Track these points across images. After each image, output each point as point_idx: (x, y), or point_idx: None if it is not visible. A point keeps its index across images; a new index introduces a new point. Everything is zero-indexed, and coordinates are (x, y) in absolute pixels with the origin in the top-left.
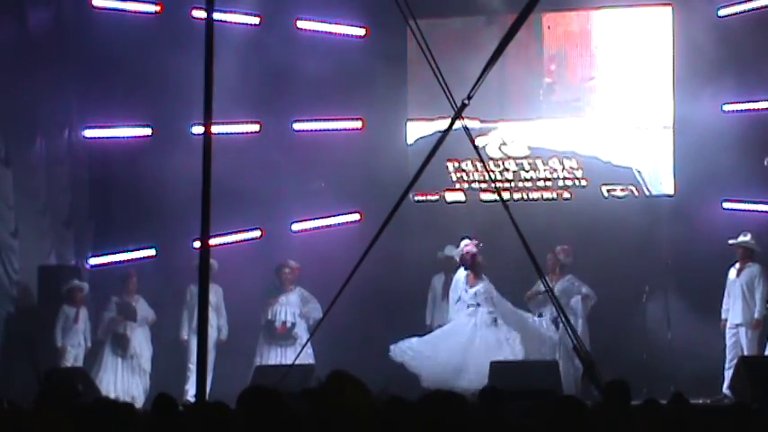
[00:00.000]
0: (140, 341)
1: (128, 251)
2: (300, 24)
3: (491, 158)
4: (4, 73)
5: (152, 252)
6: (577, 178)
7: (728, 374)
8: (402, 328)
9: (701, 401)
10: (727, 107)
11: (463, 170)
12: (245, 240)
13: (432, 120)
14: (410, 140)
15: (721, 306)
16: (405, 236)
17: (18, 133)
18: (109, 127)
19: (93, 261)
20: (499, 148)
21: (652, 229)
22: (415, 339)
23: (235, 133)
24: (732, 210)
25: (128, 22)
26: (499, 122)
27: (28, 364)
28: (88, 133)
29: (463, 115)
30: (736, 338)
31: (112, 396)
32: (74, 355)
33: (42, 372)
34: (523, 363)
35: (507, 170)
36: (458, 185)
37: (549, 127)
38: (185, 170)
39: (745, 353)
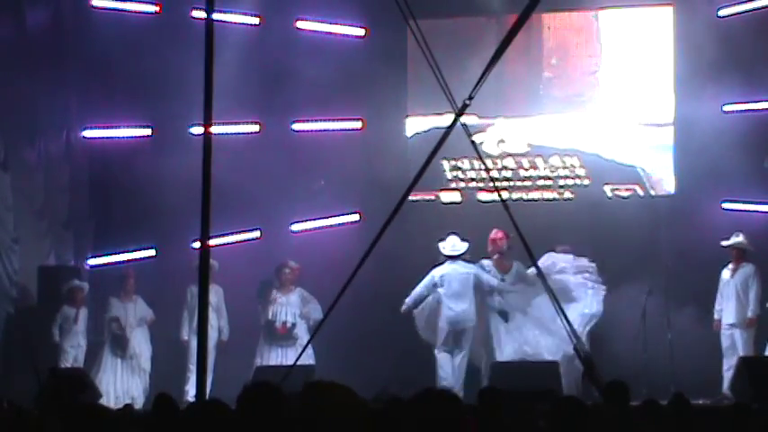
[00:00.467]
0: (140, 341)
1: (127, 251)
2: (300, 24)
3: (489, 156)
4: (2, 73)
5: (152, 252)
6: (579, 177)
7: (727, 376)
8: (402, 328)
9: (701, 401)
10: (727, 107)
11: (459, 168)
12: (244, 241)
13: (427, 116)
14: (409, 139)
15: (714, 307)
16: (402, 236)
17: (17, 134)
18: (108, 127)
19: (93, 261)
20: (497, 146)
21: (652, 229)
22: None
23: (235, 133)
24: (732, 210)
25: (127, 22)
26: (497, 118)
27: (28, 365)
28: (88, 133)
29: (457, 111)
30: (732, 339)
31: (112, 396)
32: (73, 356)
33: (42, 372)
34: (523, 363)
35: (506, 168)
36: (453, 185)
37: (549, 123)
38: (185, 171)
39: (741, 353)
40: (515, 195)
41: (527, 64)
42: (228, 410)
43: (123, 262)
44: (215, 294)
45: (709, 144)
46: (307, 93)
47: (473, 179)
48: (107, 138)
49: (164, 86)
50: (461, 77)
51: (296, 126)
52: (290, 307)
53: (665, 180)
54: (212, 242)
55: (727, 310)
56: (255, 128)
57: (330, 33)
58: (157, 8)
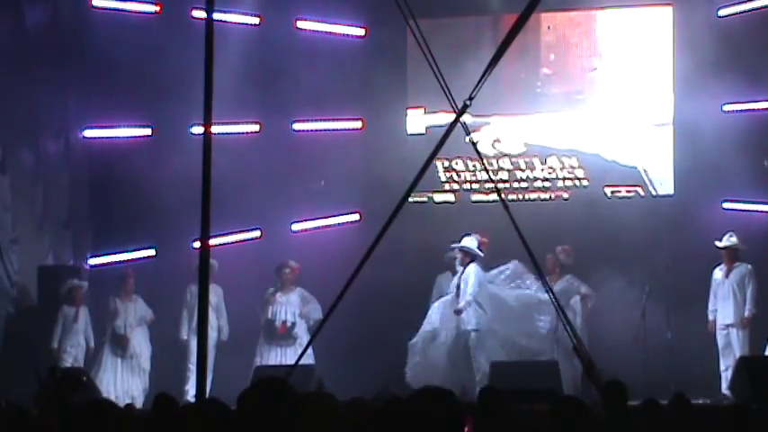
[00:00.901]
0: (140, 341)
1: (127, 251)
2: (300, 24)
3: (484, 156)
4: (1, 72)
5: (152, 252)
6: (578, 178)
7: (725, 376)
8: (401, 328)
9: (701, 401)
10: (727, 107)
11: (453, 169)
12: (245, 240)
13: (427, 115)
14: (409, 138)
15: (707, 308)
16: (396, 237)
17: (16, 134)
18: (108, 127)
19: (93, 261)
20: (492, 145)
21: (652, 229)
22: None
23: (235, 133)
24: (732, 210)
25: (127, 22)
26: (492, 116)
27: (29, 365)
28: (88, 133)
29: (457, 111)
30: (728, 339)
31: (112, 396)
32: (73, 356)
33: (41, 372)
34: (523, 363)
35: (501, 169)
36: (447, 186)
37: (547, 122)
38: (185, 171)
39: (738, 352)
40: (511, 197)
41: (524, 60)
42: (227, 410)
43: (123, 262)
44: (215, 294)
45: (709, 144)
46: (307, 93)
47: (467, 180)
48: (107, 138)
49: (164, 86)
50: (461, 77)
51: (296, 126)
52: (289, 306)
53: (664, 180)
54: (212, 242)
55: (723, 310)
56: (255, 128)
57: (330, 33)
58: (158, 8)
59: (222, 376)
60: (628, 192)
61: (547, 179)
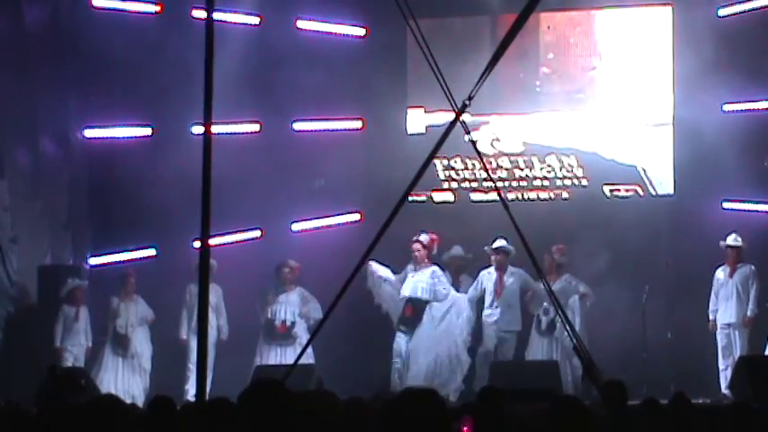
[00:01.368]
0: (140, 341)
1: (128, 251)
2: (300, 24)
3: (483, 155)
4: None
5: (152, 252)
6: (577, 177)
7: (725, 375)
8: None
9: (701, 401)
10: (727, 107)
11: (452, 168)
12: (245, 240)
13: (427, 115)
14: (409, 138)
15: (708, 307)
16: (401, 236)
17: (15, 134)
18: (108, 127)
19: (93, 261)
20: (491, 144)
21: (652, 229)
22: None
23: (235, 133)
24: (732, 210)
25: (128, 22)
26: (491, 116)
27: (29, 364)
28: (88, 133)
29: (457, 111)
30: (729, 339)
31: None
32: (74, 355)
33: (41, 371)
34: (523, 363)
35: (501, 168)
36: (446, 185)
37: (546, 121)
38: (185, 170)
39: (738, 352)
40: (511, 196)
41: (524, 60)
42: (232, 408)
43: (123, 262)
44: (214, 294)
45: (708, 144)
46: (307, 92)
47: (466, 179)
48: (107, 137)
49: (164, 86)
50: (461, 77)
51: (296, 126)
52: (289, 306)
53: (664, 180)
54: (212, 242)
55: (725, 309)
56: (255, 128)
57: (330, 33)
58: (158, 8)
59: (222, 376)
60: (627, 191)
61: (546, 178)
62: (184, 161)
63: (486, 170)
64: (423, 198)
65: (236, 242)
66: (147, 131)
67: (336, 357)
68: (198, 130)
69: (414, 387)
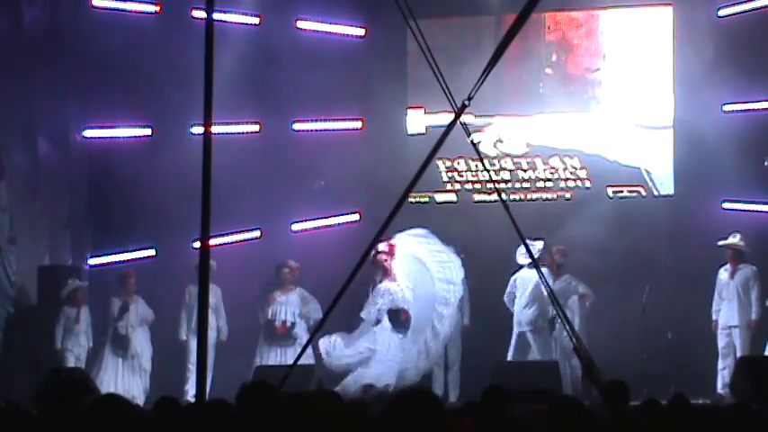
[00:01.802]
0: (140, 341)
1: (127, 251)
2: (300, 24)
3: (486, 156)
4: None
5: (152, 252)
6: (580, 179)
7: (722, 375)
8: None
9: (700, 401)
10: (727, 107)
11: (455, 169)
12: (244, 240)
13: (427, 115)
14: (409, 139)
15: (711, 307)
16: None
17: (14, 134)
18: (108, 127)
19: (93, 261)
20: (495, 146)
21: (652, 229)
22: None
23: (235, 133)
24: (732, 210)
25: (127, 22)
26: (495, 117)
27: (31, 365)
28: (88, 133)
29: (456, 111)
30: (730, 339)
31: None
32: (76, 355)
33: (42, 372)
34: (523, 363)
35: (504, 169)
36: (449, 186)
37: (549, 122)
38: (185, 170)
39: (739, 353)
40: (513, 197)
41: (527, 61)
42: (229, 409)
43: (123, 262)
44: (213, 294)
45: (709, 144)
46: (307, 92)
47: (469, 180)
48: (107, 138)
49: (164, 86)
50: (461, 77)
51: (296, 126)
52: (289, 306)
53: (665, 180)
54: (212, 242)
55: (727, 311)
56: (255, 128)
57: (330, 33)
58: (158, 8)
59: (222, 376)
60: (630, 192)
61: (549, 179)
62: (184, 161)
63: (487, 170)
64: (425, 199)
65: (236, 242)
66: (147, 131)
67: None
68: (198, 130)
69: (414, 387)
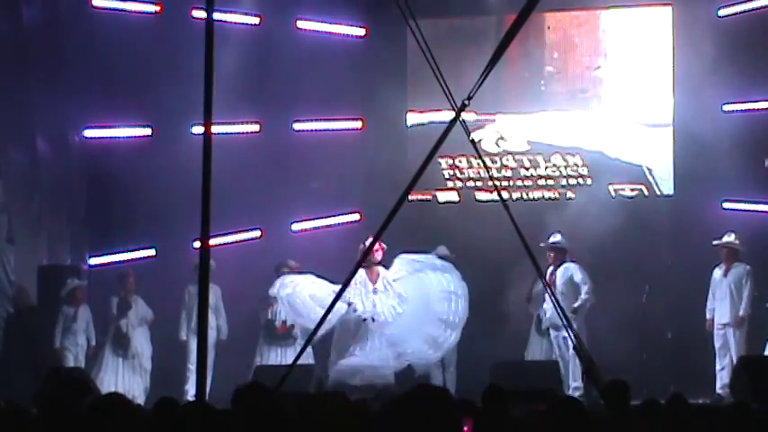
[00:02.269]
0: (140, 341)
1: (127, 251)
2: (300, 24)
3: (488, 154)
4: None
5: (152, 252)
6: (582, 176)
7: (720, 377)
8: None
9: (700, 401)
10: (726, 107)
11: (457, 167)
12: (245, 240)
13: (427, 114)
14: (409, 137)
15: (706, 306)
16: (400, 237)
17: (13, 134)
18: (108, 127)
19: (93, 261)
20: (496, 143)
21: (652, 229)
22: None
23: (235, 133)
24: (732, 210)
25: (127, 22)
26: (496, 115)
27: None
28: (88, 133)
29: (456, 109)
30: (725, 338)
31: None
32: (74, 354)
33: (41, 372)
34: (523, 363)
35: (505, 167)
36: (450, 184)
37: (551, 120)
38: (185, 170)
39: (733, 352)
40: (515, 195)
41: (528, 59)
42: (216, 412)
43: (123, 262)
44: (213, 294)
45: (709, 144)
46: (307, 92)
47: (471, 178)
48: (107, 138)
49: (164, 86)
50: (461, 77)
51: (296, 126)
52: None
53: (664, 180)
54: (212, 242)
55: (720, 309)
56: (255, 128)
57: (330, 33)
58: (158, 8)
59: (222, 376)
60: (632, 191)
61: (551, 177)
62: (184, 161)
63: (488, 169)
64: (427, 197)
65: (236, 242)
66: (147, 131)
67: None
68: (198, 130)
69: (424, 384)
